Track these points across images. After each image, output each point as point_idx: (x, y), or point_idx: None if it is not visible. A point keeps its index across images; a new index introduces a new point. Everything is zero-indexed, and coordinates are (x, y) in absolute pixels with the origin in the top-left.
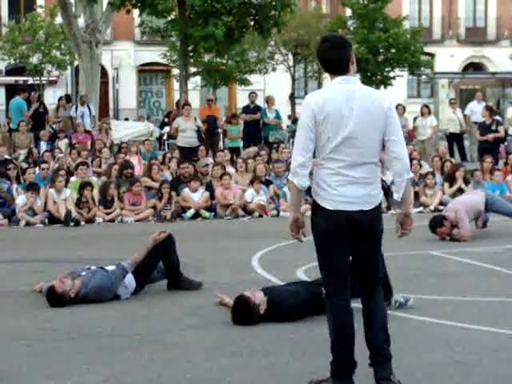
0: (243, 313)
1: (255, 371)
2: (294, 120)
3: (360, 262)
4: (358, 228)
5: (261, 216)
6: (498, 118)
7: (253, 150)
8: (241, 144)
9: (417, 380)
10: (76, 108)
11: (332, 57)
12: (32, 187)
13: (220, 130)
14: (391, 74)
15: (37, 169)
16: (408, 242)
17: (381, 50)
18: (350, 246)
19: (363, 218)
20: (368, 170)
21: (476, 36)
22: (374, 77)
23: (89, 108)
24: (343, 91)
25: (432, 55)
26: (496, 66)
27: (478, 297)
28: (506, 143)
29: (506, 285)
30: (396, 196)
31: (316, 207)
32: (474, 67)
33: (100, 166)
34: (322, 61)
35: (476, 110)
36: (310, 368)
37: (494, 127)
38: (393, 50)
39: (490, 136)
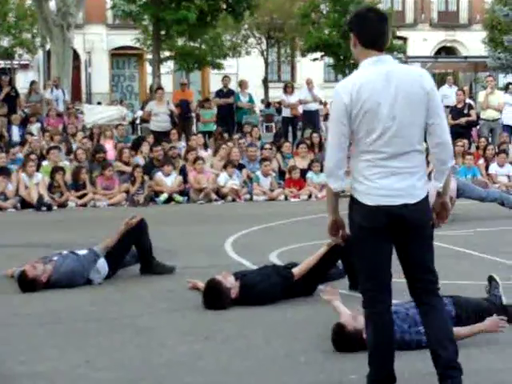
0: (214, 297)
1: (228, 355)
2: (268, 104)
3: (411, 265)
4: (403, 225)
5: (234, 200)
6: (469, 101)
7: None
8: (214, 128)
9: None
10: (51, 91)
11: (376, 29)
12: (2, 171)
13: (193, 114)
14: None
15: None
16: None
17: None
18: (395, 248)
19: (408, 213)
20: (411, 159)
21: (448, 20)
22: (347, 61)
23: (63, 92)
24: (379, 74)
25: (404, 39)
26: (468, 50)
27: (451, 280)
28: (477, 127)
29: (477, 268)
30: (437, 185)
31: (353, 202)
32: (446, 51)
33: (71, 151)
34: (365, 32)
35: (447, 93)
36: (283, 351)
37: (465, 111)
38: None
39: (463, 120)
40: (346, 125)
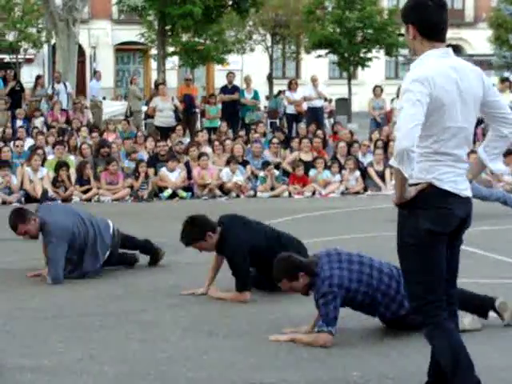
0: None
1: (231, 351)
2: (278, 93)
3: (448, 273)
4: (462, 227)
5: (238, 196)
6: None
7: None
8: (219, 124)
9: (394, 358)
10: (52, 86)
11: (438, 19)
12: (4, 165)
13: (197, 110)
14: (368, 55)
15: (11, 144)
16: (384, 222)
17: (357, 31)
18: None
19: (469, 214)
20: (467, 160)
21: (454, 18)
22: (352, 57)
23: (65, 85)
24: (450, 68)
25: None
26: (473, 48)
27: None
28: (482, 125)
29: (480, 266)
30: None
31: (417, 207)
32: (451, 49)
33: (76, 145)
34: (425, 23)
35: None
36: (286, 348)
37: None
38: (370, 31)
39: None
40: (424, 108)
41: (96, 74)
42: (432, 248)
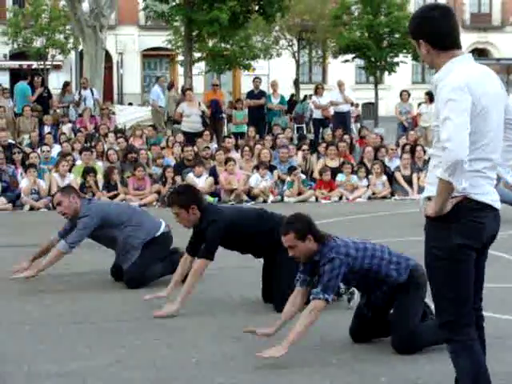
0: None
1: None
2: (304, 98)
3: (478, 281)
4: (491, 240)
5: (265, 201)
6: None
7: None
8: (245, 129)
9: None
10: (79, 92)
11: (448, 28)
12: (31, 167)
13: (224, 115)
14: (395, 60)
15: (38, 150)
16: (410, 227)
17: (384, 36)
18: None
19: (499, 226)
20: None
21: (481, 22)
22: (379, 62)
23: (92, 91)
24: (481, 73)
25: None
26: (501, 52)
27: None
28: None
29: (508, 271)
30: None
31: (450, 221)
32: (478, 53)
33: (103, 151)
34: (437, 36)
35: None
36: (313, 353)
37: None
38: (397, 35)
39: None
40: (469, 116)
41: (159, 80)
42: (461, 263)
